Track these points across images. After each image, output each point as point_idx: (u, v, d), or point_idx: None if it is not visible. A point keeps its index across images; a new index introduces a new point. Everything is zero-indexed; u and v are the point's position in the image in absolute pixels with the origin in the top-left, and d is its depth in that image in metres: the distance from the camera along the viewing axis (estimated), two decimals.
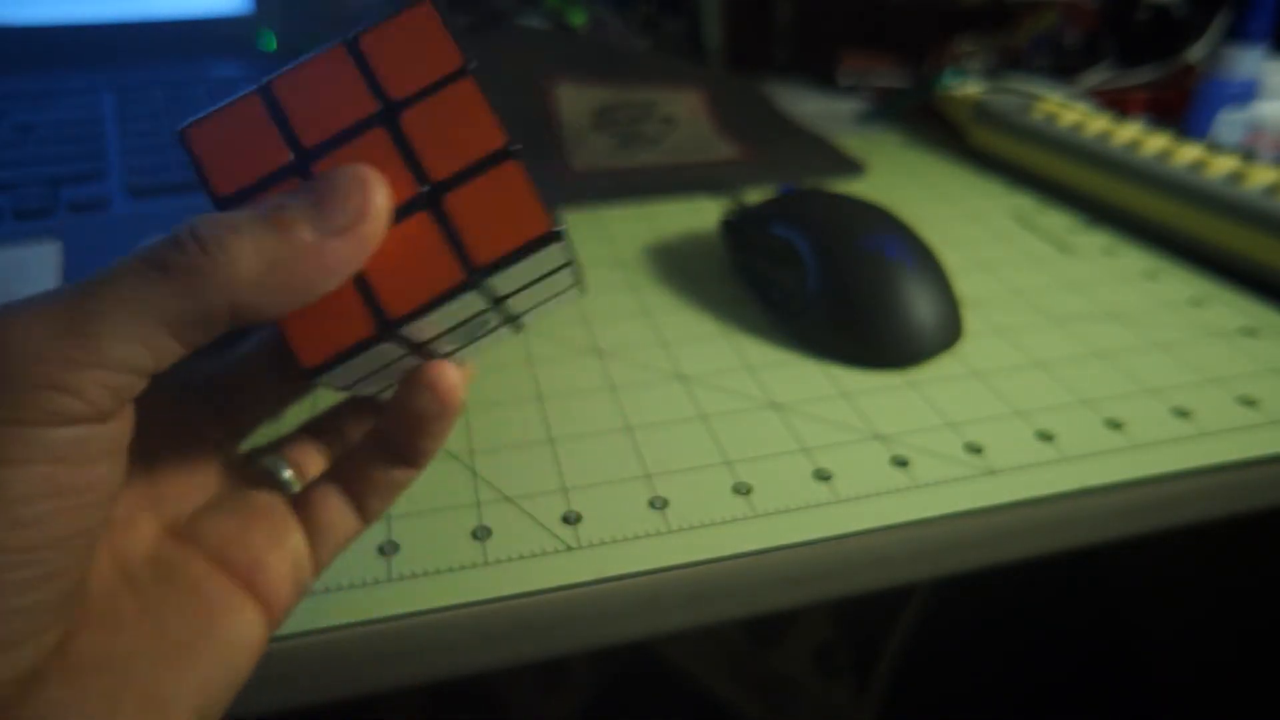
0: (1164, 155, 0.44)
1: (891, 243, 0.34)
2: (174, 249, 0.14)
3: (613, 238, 0.43)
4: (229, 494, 0.19)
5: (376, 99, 0.16)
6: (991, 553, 0.27)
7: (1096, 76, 0.66)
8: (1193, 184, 0.41)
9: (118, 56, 0.44)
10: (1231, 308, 0.38)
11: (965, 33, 0.69)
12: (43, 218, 0.32)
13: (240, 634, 0.17)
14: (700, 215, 0.45)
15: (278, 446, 0.21)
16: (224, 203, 0.16)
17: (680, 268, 0.40)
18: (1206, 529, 0.30)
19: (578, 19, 0.62)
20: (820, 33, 0.69)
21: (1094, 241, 0.44)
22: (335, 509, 0.19)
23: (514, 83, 0.53)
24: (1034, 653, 0.68)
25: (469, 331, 0.18)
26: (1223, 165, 0.42)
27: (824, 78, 0.68)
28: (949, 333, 0.34)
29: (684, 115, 0.55)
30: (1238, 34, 0.53)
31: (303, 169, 0.16)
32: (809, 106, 0.63)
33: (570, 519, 0.25)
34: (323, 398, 0.27)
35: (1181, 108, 0.57)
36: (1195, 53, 0.64)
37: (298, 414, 0.23)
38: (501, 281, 0.16)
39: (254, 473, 0.20)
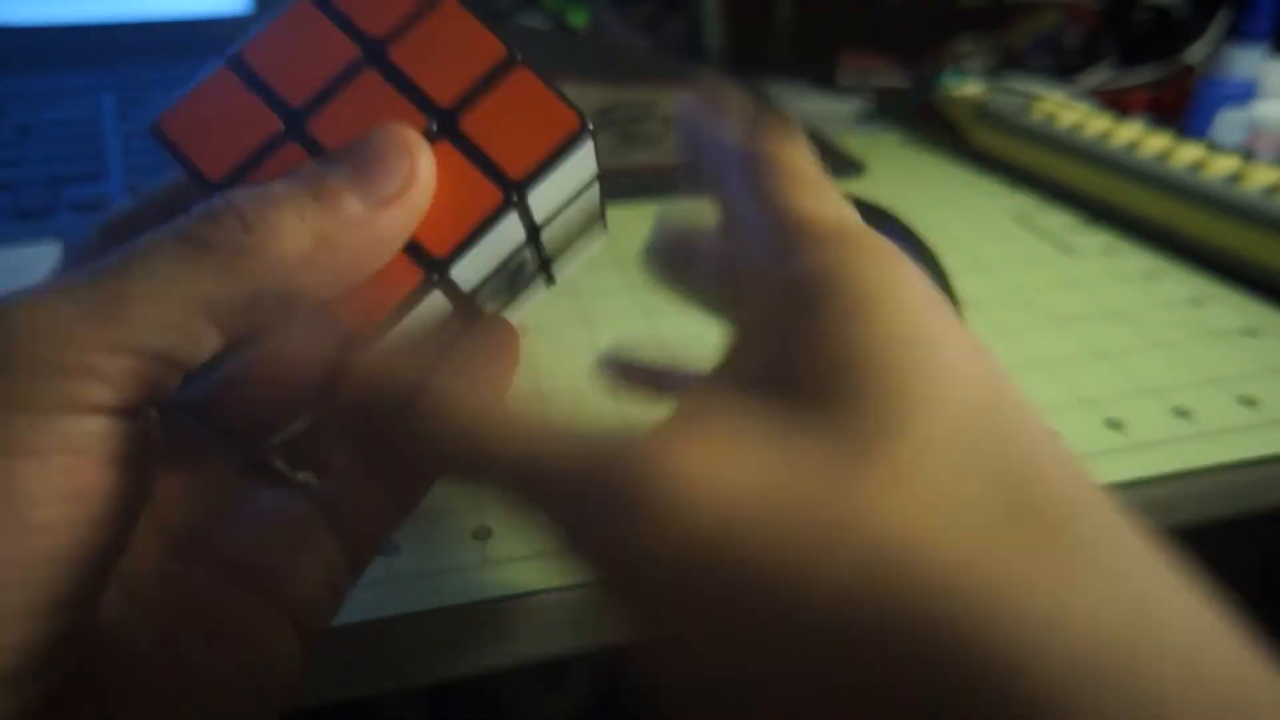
0: (1164, 155, 0.44)
1: (891, 242, 0.34)
2: (212, 225, 0.13)
3: (613, 238, 0.43)
4: (239, 502, 0.16)
5: (356, 43, 0.15)
6: None
7: (1096, 76, 0.66)
8: (1193, 184, 0.41)
9: (118, 56, 0.44)
10: (1231, 308, 0.38)
11: (965, 33, 0.69)
12: (43, 218, 0.32)
13: (275, 655, 0.15)
14: (700, 215, 0.45)
15: (290, 441, 0.18)
16: (217, 187, 0.14)
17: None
18: (1206, 529, 0.30)
19: (578, 19, 0.62)
20: (820, 33, 0.69)
21: (1094, 241, 0.44)
22: (368, 500, 0.17)
23: None
24: None
25: (511, 279, 0.17)
26: (1223, 165, 0.42)
27: (824, 78, 0.68)
28: None
29: None
30: (1238, 34, 0.53)
31: (298, 132, 0.15)
32: (809, 106, 0.63)
33: None
34: None
35: (1181, 108, 0.57)
36: (1195, 53, 0.64)
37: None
38: (539, 199, 0.15)
39: (265, 475, 0.18)
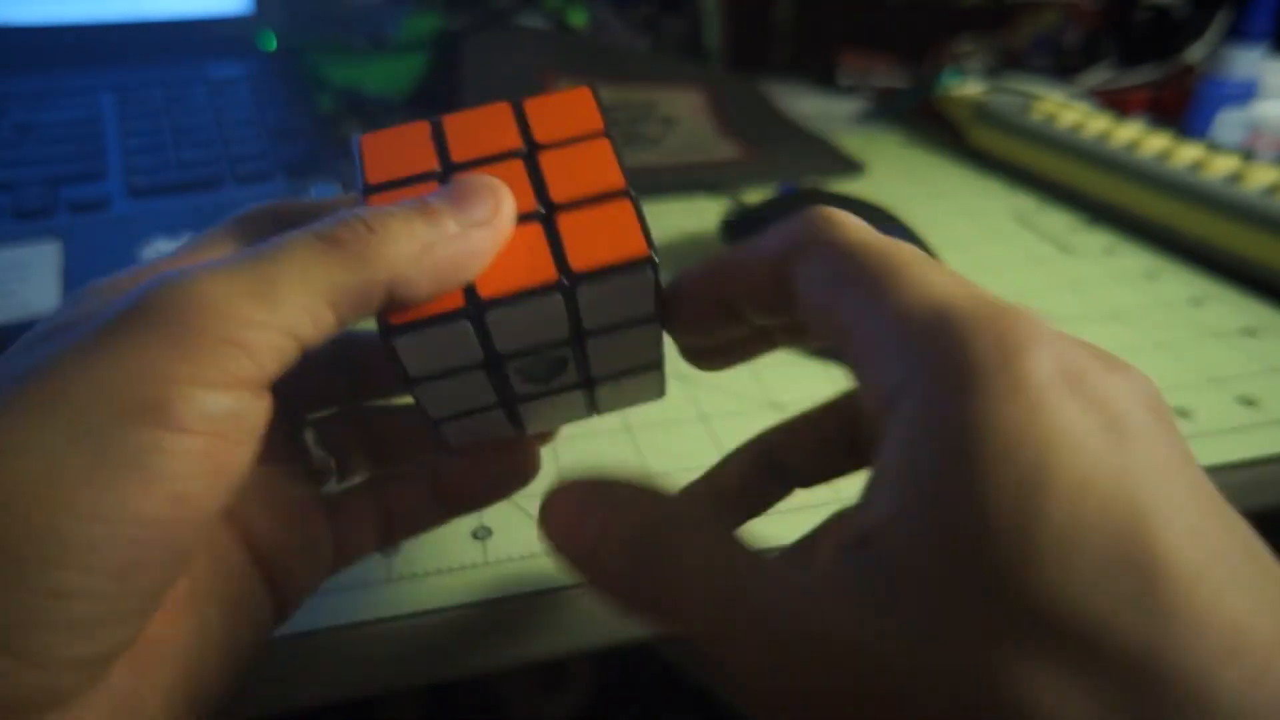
0: (1164, 155, 0.44)
1: None
2: (345, 228, 0.15)
3: None
4: (277, 485, 0.19)
5: (523, 139, 0.19)
6: None
7: (1096, 76, 0.66)
8: (1193, 184, 0.41)
9: (118, 56, 0.44)
10: (1231, 308, 0.38)
11: (965, 33, 0.69)
12: (43, 218, 0.32)
13: (255, 632, 0.17)
14: (700, 215, 0.45)
15: (327, 431, 0.21)
16: (367, 190, 0.18)
17: (680, 268, 0.40)
18: None
19: (578, 19, 0.62)
20: (820, 33, 0.69)
21: (1094, 241, 0.44)
22: (363, 525, 0.20)
23: (513, 83, 0.53)
24: None
25: (548, 370, 0.19)
26: (1222, 165, 0.42)
27: (824, 78, 0.68)
28: None
29: (684, 115, 0.55)
30: (1238, 34, 0.53)
31: (444, 177, 0.18)
32: (809, 106, 0.63)
33: None
34: None
35: (1181, 108, 0.57)
36: (1195, 53, 0.64)
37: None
38: (590, 303, 0.17)
39: (302, 463, 0.20)
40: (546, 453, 0.28)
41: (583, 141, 0.19)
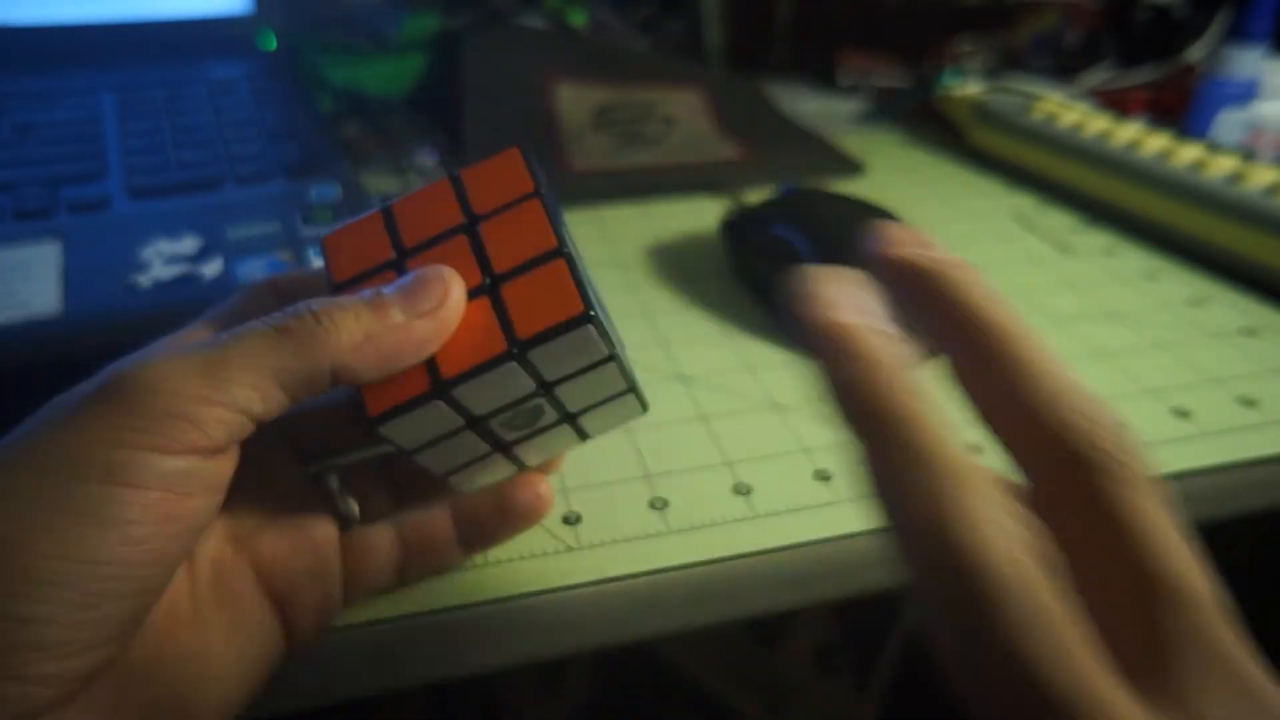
0: (1164, 155, 0.44)
1: None
2: (295, 319, 0.17)
3: (613, 238, 0.43)
4: (291, 516, 0.21)
5: (463, 212, 0.20)
6: None
7: (1096, 76, 0.66)
8: (1193, 184, 0.41)
9: (118, 56, 0.44)
10: (1231, 308, 0.38)
11: (965, 33, 0.69)
12: (43, 218, 0.32)
13: (261, 654, 0.19)
14: (700, 215, 0.45)
15: (349, 476, 0.22)
16: (336, 288, 0.20)
17: (680, 268, 0.40)
18: (1207, 531, 0.30)
19: (578, 19, 0.62)
20: (820, 33, 0.69)
21: (1094, 241, 0.44)
22: (379, 561, 0.21)
23: (514, 83, 0.53)
24: None
25: (528, 418, 0.21)
26: (1222, 165, 0.42)
27: (824, 78, 0.68)
28: None
29: (684, 115, 0.55)
30: (1238, 34, 0.53)
31: (399, 264, 0.20)
32: (809, 106, 0.63)
33: (570, 519, 0.25)
34: None
35: (1181, 108, 0.57)
36: (1195, 53, 0.64)
37: None
38: (543, 362, 0.19)
39: (322, 499, 0.21)
40: None
41: (515, 206, 0.20)
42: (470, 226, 0.20)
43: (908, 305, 0.17)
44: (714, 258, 0.41)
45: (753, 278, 0.38)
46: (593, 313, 0.18)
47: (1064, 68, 0.67)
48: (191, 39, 0.46)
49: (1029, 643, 0.12)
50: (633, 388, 0.21)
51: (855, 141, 0.57)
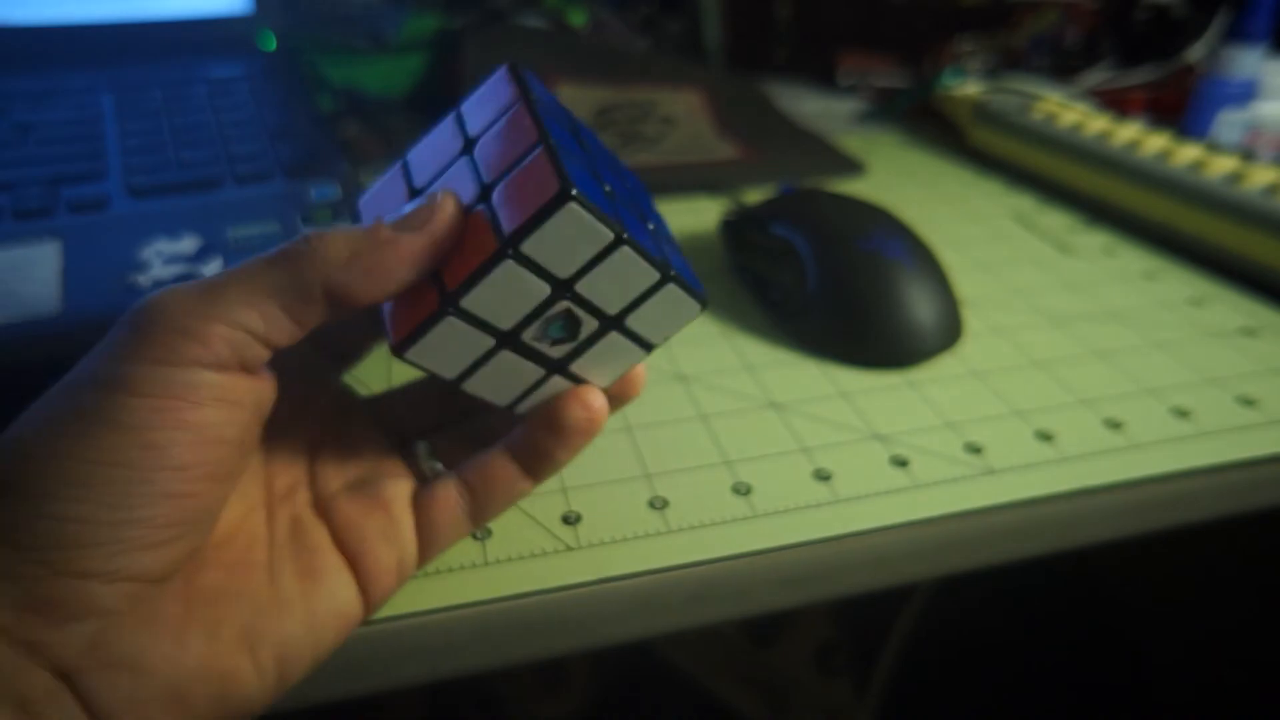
0: (1164, 155, 0.44)
1: (891, 243, 0.34)
2: (288, 245, 0.18)
3: None
4: (368, 481, 0.22)
5: (462, 138, 0.21)
6: (991, 553, 0.27)
7: (1096, 76, 0.66)
8: (1192, 184, 0.41)
9: (118, 56, 0.44)
10: (1231, 308, 0.38)
11: (965, 33, 0.69)
12: (43, 218, 0.32)
13: (333, 605, 0.20)
14: (700, 215, 0.45)
15: (434, 440, 0.24)
16: None
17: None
18: (1207, 530, 0.30)
19: (578, 19, 0.62)
20: (820, 33, 0.69)
21: (1094, 241, 0.44)
22: (450, 512, 0.22)
23: None
24: (1034, 652, 0.68)
25: (565, 329, 0.20)
26: (1222, 165, 0.42)
27: (824, 78, 0.68)
28: (948, 333, 0.34)
29: (684, 115, 0.55)
30: (1238, 34, 0.53)
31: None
32: (809, 106, 0.63)
33: (570, 519, 0.25)
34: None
35: (1181, 108, 0.57)
36: (1195, 53, 0.64)
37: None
38: (542, 254, 0.18)
39: (399, 463, 0.23)
40: None
41: (504, 116, 0.20)
42: (467, 148, 0.20)
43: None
44: (714, 258, 0.41)
45: (752, 278, 0.38)
46: (574, 191, 0.17)
47: (1064, 68, 0.67)
48: (191, 39, 0.46)
49: None
50: (669, 276, 0.20)
51: (855, 141, 0.57)
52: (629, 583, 0.24)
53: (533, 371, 0.21)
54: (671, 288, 0.20)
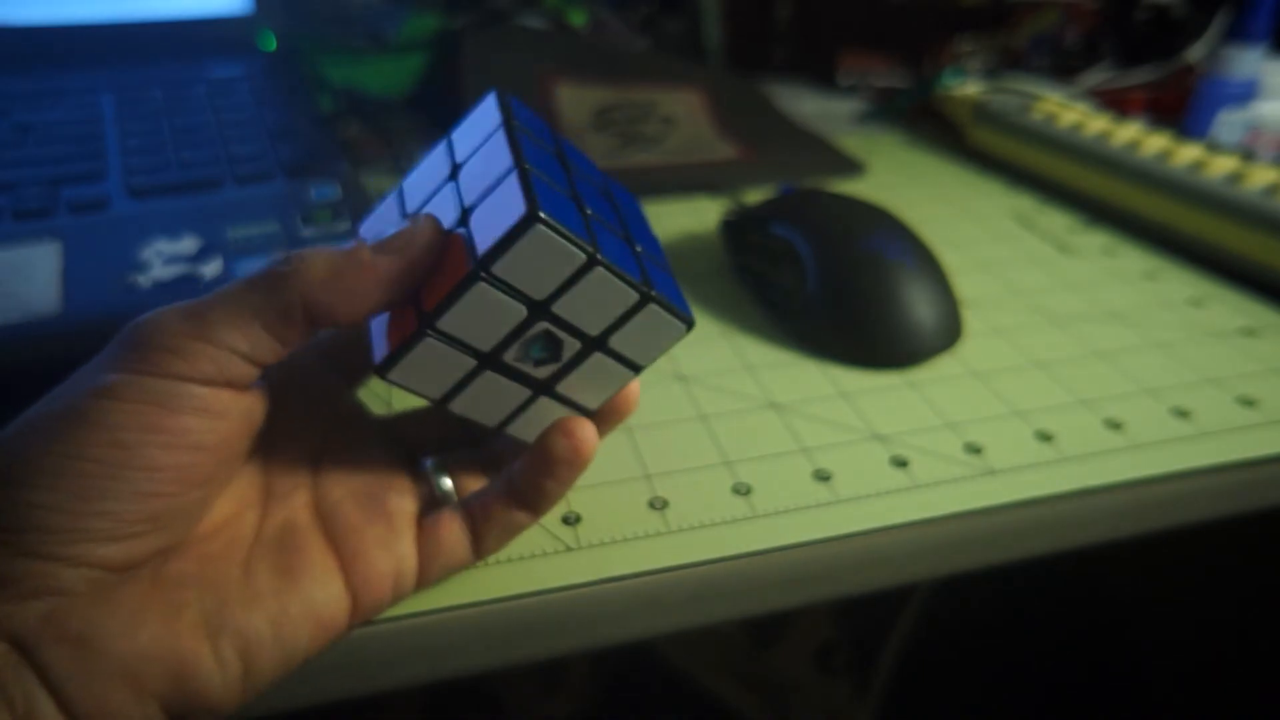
0: (1164, 155, 0.44)
1: (891, 243, 0.34)
2: (270, 265, 0.19)
3: None
4: (372, 491, 0.22)
5: (450, 164, 0.21)
6: (991, 553, 0.27)
7: (1096, 76, 0.66)
8: (1192, 184, 0.41)
9: (118, 56, 0.44)
10: (1231, 308, 0.38)
11: (965, 33, 0.69)
12: (43, 218, 0.32)
13: (308, 606, 0.20)
14: (700, 215, 0.45)
15: (447, 461, 0.24)
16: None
17: (680, 268, 0.40)
18: (1207, 531, 0.30)
19: (578, 19, 0.62)
20: (820, 33, 0.69)
21: (1094, 241, 0.44)
22: (453, 534, 0.22)
23: (514, 83, 0.53)
24: (1034, 653, 0.68)
25: (547, 349, 0.20)
26: (1222, 165, 0.42)
27: (824, 78, 0.68)
28: (949, 333, 0.34)
29: (684, 115, 0.55)
30: (1238, 34, 0.53)
31: None
32: (809, 106, 0.63)
33: (570, 519, 0.25)
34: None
35: (1181, 108, 0.57)
36: (1195, 53, 0.64)
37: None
38: (515, 276, 0.18)
39: (407, 481, 0.23)
40: None
41: (487, 142, 0.20)
42: (454, 174, 0.21)
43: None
44: (714, 258, 0.41)
45: (752, 278, 0.38)
46: (542, 213, 0.18)
47: (1064, 68, 0.67)
48: (191, 39, 0.46)
49: None
50: (649, 297, 0.20)
51: (855, 141, 0.57)
52: (629, 583, 0.24)
53: (518, 392, 0.21)
54: (652, 308, 0.20)
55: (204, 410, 0.19)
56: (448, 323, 0.19)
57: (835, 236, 0.35)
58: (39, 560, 0.17)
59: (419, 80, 0.55)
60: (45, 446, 0.18)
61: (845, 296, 0.33)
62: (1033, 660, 0.68)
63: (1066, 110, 0.50)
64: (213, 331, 0.18)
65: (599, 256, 0.19)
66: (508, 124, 0.20)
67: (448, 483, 0.23)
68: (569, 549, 0.24)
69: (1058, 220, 0.47)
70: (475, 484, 0.24)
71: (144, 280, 0.30)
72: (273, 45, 0.47)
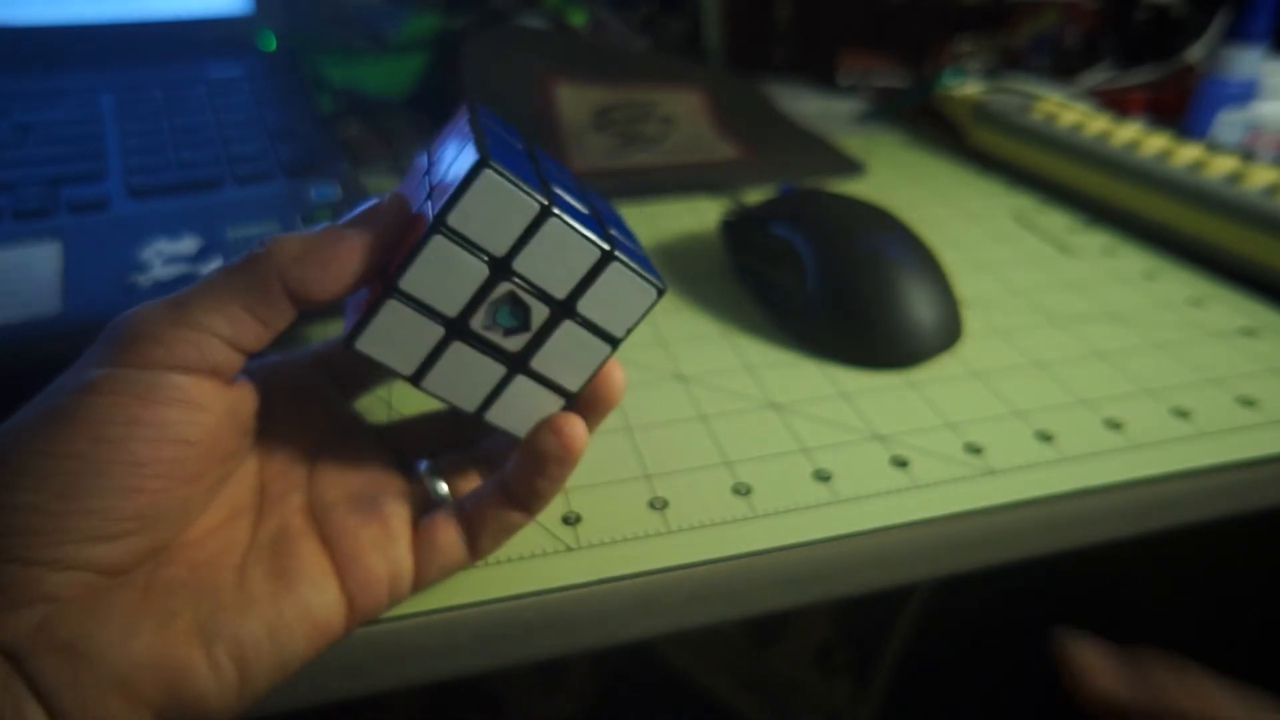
0: (1164, 155, 0.44)
1: (891, 243, 0.34)
2: (246, 252, 0.19)
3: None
4: (367, 495, 0.22)
5: (427, 170, 0.22)
6: (991, 553, 0.27)
7: (1096, 76, 0.66)
8: (1192, 184, 0.41)
9: (118, 56, 0.44)
10: (1231, 308, 0.38)
11: (965, 33, 0.69)
12: (43, 218, 0.32)
13: (303, 610, 0.20)
14: (700, 215, 0.45)
15: (441, 463, 0.24)
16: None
17: (680, 268, 0.40)
18: (1207, 531, 0.30)
19: (578, 19, 0.62)
20: (820, 33, 0.69)
21: (1094, 241, 0.44)
22: (448, 536, 0.22)
23: (513, 83, 0.53)
24: (1034, 652, 0.68)
25: (514, 315, 0.20)
26: (1222, 165, 0.42)
27: (824, 78, 0.68)
28: (948, 333, 0.34)
29: (684, 115, 0.55)
30: (1238, 34, 0.53)
31: None
32: (809, 106, 0.63)
33: (570, 519, 0.25)
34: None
35: (1181, 108, 0.57)
36: (1195, 53, 0.64)
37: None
38: (470, 228, 0.19)
39: (402, 485, 0.23)
40: None
41: (454, 138, 0.21)
42: (428, 171, 0.21)
43: None
44: (714, 258, 0.41)
45: (752, 278, 0.38)
46: (492, 160, 0.18)
47: (1064, 68, 0.67)
48: (191, 39, 0.46)
49: None
50: (610, 254, 0.20)
51: (855, 141, 0.57)
52: (629, 583, 0.24)
53: (493, 369, 0.21)
54: (617, 267, 0.20)
55: (185, 401, 0.18)
56: (409, 282, 0.19)
57: (835, 236, 0.35)
58: (25, 565, 0.17)
59: (419, 80, 0.55)
60: (27, 447, 0.17)
61: (845, 296, 0.33)
62: (1033, 660, 0.68)
63: (1066, 110, 0.50)
64: (193, 316, 0.19)
65: (553, 209, 0.19)
66: (473, 120, 0.21)
67: (442, 485, 0.23)
68: (569, 549, 0.24)
69: (1058, 220, 0.47)
70: (470, 486, 0.24)
71: (144, 280, 0.30)
72: (273, 45, 0.47)
